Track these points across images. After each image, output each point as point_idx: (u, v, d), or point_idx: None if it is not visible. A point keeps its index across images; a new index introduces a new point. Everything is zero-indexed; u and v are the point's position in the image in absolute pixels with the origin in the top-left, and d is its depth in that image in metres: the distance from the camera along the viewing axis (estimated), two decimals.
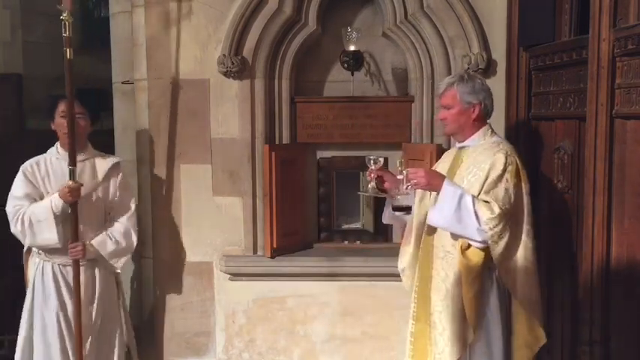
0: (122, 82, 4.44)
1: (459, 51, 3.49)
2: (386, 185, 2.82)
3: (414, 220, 2.91)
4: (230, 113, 3.60)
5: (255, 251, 3.64)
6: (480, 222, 2.51)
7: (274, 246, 3.57)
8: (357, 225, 3.90)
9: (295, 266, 3.59)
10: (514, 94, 3.33)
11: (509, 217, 2.55)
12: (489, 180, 2.59)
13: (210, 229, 3.66)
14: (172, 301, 3.73)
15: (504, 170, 2.60)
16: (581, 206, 2.74)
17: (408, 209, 2.82)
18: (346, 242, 3.82)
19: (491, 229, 2.50)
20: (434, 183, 2.59)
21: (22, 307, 3.40)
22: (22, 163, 3.48)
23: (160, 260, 3.74)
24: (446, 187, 2.57)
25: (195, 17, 3.57)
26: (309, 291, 3.64)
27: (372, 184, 2.79)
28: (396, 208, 2.83)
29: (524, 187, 2.65)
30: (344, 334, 3.66)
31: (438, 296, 2.69)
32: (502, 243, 2.54)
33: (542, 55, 3.07)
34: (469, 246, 2.60)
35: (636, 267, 2.44)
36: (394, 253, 3.67)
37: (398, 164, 2.70)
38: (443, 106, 2.77)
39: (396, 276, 3.58)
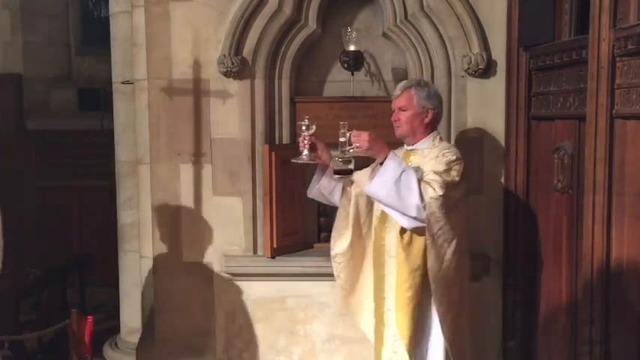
0: (122, 82, 4.45)
1: (459, 51, 3.49)
2: (318, 152, 2.82)
3: (351, 210, 2.88)
4: (230, 113, 3.60)
5: (255, 251, 3.64)
6: (421, 199, 2.52)
7: (274, 246, 3.57)
8: None
9: (295, 266, 3.59)
10: (514, 94, 3.34)
11: (449, 206, 2.57)
12: (436, 170, 2.62)
13: (210, 229, 3.66)
14: (172, 301, 3.73)
15: (451, 165, 2.65)
16: (581, 206, 2.74)
17: (349, 172, 2.75)
18: None
19: (431, 207, 2.52)
20: (376, 149, 2.60)
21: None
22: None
23: (159, 260, 3.74)
24: (391, 157, 2.59)
25: (195, 17, 3.57)
26: (309, 291, 3.63)
27: (305, 152, 2.75)
28: (337, 172, 2.74)
29: (466, 195, 2.72)
30: (344, 335, 3.66)
31: (390, 295, 2.74)
32: (437, 226, 2.56)
33: (542, 55, 3.07)
34: (411, 240, 2.65)
35: (636, 267, 2.45)
36: None
37: (340, 126, 2.67)
38: (398, 107, 2.82)
39: None
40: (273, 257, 3.57)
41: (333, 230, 3.00)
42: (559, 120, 2.98)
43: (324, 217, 3.83)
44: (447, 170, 2.63)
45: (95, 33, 7.19)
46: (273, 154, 3.50)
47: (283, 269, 3.59)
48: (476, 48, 3.46)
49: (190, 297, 3.73)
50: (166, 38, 3.59)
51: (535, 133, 3.24)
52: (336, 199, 2.97)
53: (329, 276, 3.59)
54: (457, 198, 2.65)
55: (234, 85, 3.58)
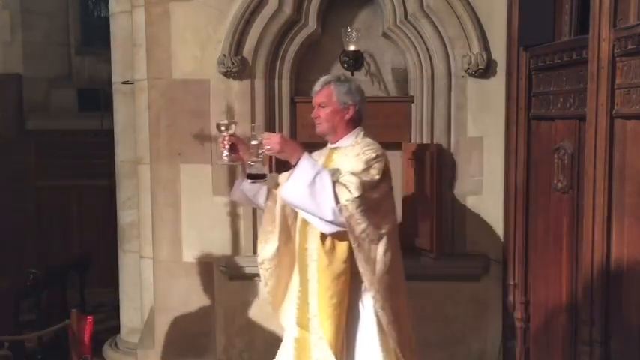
0: (122, 82, 4.45)
1: (459, 51, 3.49)
2: (240, 154, 2.65)
3: (277, 213, 2.75)
4: (230, 113, 3.60)
5: (255, 251, 3.63)
6: (337, 202, 2.40)
7: None
8: None
9: None
10: (514, 94, 3.34)
11: (369, 207, 2.46)
12: (355, 170, 2.51)
13: (210, 229, 3.66)
14: (172, 301, 3.73)
15: (371, 164, 2.54)
16: (581, 206, 2.74)
17: (262, 177, 2.61)
18: None
19: (349, 210, 2.41)
20: (288, 151, 2.49)
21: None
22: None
23: (159, 260, 3.74)
24: (304, 159, 2.47)
25: (195, 17, 3.57)
26: None
27: (225, 153, 2.61)
28: (249, 176, 2.60)
29: (388, 188, 2.61)
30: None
31: (314, 300, 2.61)
32: (359, 228, 2.45)
33: (542, 55, 3.07)
34: (333, 246, 2.55)
35: (636, 267, 2.45)
36: None
37: (251, 129, 2.58)
38: (317, 104, 2.70)
39: None
40: None
41: (259, 235, 2.86)
42: (559, 120, 2.98)
43: None
44: (367, 169, 2.52)
45: (95, 33, 7.19)
46: None
47: None
48: (476, 48, 3.46)
49: (190, 297, 3.73)
50: (166, 38, 3.59)
51: (535, 133, 3.24)
52: (260, 202, 2.81)
53: None
54: (379, 197, 2.54)
55: (234, 85, 3.58)
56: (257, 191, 2.78)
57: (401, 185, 3.72)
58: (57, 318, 4.17)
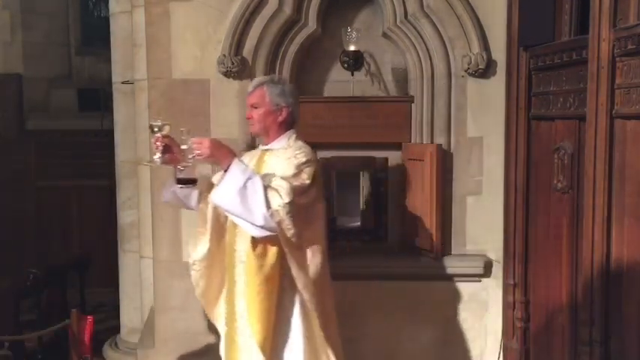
0: (122, 82, 4.45)
1: (459, 51, 3.50)
2: (174, 156, 2.57)
3: (209, 214, 2.71)
4: (230, 113, 3.60)
5: None
6: (268, 207, 2.40)
7: None
8: (356, 225, 3.89)
9: None
10: (514, 94, 3.33)
11: (299, 212, 2.46)
12: (286, 174, 2.52)
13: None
14: (172, 301, 3.72)
15: (302, 168, 2.55)
16: (581, 206, 2.74)
17: (192, 182, 2.58)
18: (346, 242, 3.81)
19: (280, 215, 2.41)
20: (218, 155, 2.48)
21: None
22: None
23: (159, 260, 3.74)
24: (236, 163, 2.47)
25: (195, 17, 3.57)
26: None
27: (158, 155, 2.53)
28: (179, 181, 2.57)
29: (318, 193, 2.62)
30: (344, 335, 3.64)
31: (242, 301, 2.61)
32: (289, 233, 2.45)
33: (542, 55, 3.07)
34: (265, 251, 2.55)
35: (636, 267, 2.44)
36: (394, 253, 3.68)
37: (180, 133, 2.53)
38: (250, 105, 2.72)
39: (395, 275, 3.59)
40: None
41: (191, 236, 2.85)
42: (559, 120, 2.98)
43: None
44: (297, 174, 2.52)
45: (95, 33, 7.19)
46: None
47: None
48: (476, 48, 3.46)
49: (190, 297, 3.72)
50: (166, 38, 3.59)
51: (535, 133, 3.23)
52: (192, 204, 2.77)
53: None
54: (308, 202, 2.55)
55: (234, 85, 3.58)
56: (189, 193, 2.73)
57: (401, 185, 3.72)
58: (57, 318, 4.17)
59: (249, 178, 2.43)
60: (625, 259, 2.50)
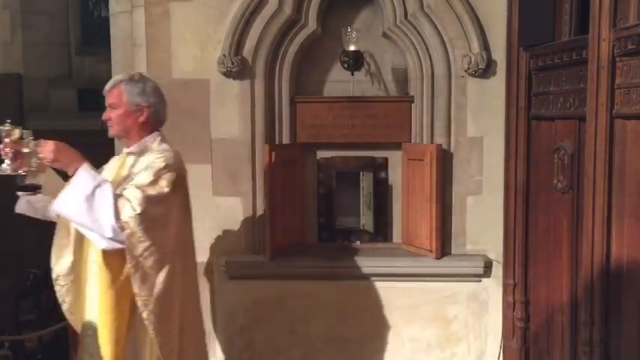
0: None
1: (459, 51, 3.50)
2: (25, 161, 2.37)
3: (72, 226, 2.52)
4: (230, 113, 3.60)
5: (255, 251, 3.64)
6: (117, 218, 2.24)
7: (274, 246, 3.57)
8: (357, 225, 3.89)
9: (295, 266, 3.59)
10: (514, 94, 3.33)
11: (155, 224, 2.34)
12: (143, 182, 2.37)
13: (210, 229, 3.66)
14: None
15: (160, 174, 2.41)
16: (581, 206, 2.74)
17: (35, 188, 2.41)
18: (346, 242, 3.82)
19: (130, 227, 2.26)
20: (64, 160, 2.31)
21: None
22: None
23: None
24: (84, 170, 2.29)
25: (195, 17, 3.57)
26: (309, 291, 3.63)
27: (7, 162, 2.32)
28: (21, 188, 2.40)
29: (181, 201, 2.50)
30: (344, 335, 3.66)
31: (90, 317, 2.47)
32: (141, 247, 2.30)
33: (542, 55, 3.07)
34: (118, 264, 2.38)
35: (636, 267, 2.44)
36: (394, 253, 3.68)
37: (19, 135, 2.34)
38: (109, 105, 2.56)
39: (395, 276, 3.59)
40: (272, 257, 3.57)
41: (53, 249, 2.65)
42: (559, 120, 2.98)
43: (325, 217, 3.84)
44: (154, 181, 2.37)
45: (95, 33, 7.20)
46: (273, 154, 3.50)
47: (283, 269, 3.59)
48: (476, 48, 3.46)
49: None
50: (166, 38, 3.59)
51: (535, 133, 3.23)
52: (52, 214, 2.57)
53: (329, 276, 3.61)
54: (166, 212, 2.39)
55: (234, 85, 3.58)
56: (47, 203, 2.50)
57: (401, 185, 3.72)
58: (57, 318, 4.17)
59: (97, 186, 2.26)
60: (625, 259, 2.49)
